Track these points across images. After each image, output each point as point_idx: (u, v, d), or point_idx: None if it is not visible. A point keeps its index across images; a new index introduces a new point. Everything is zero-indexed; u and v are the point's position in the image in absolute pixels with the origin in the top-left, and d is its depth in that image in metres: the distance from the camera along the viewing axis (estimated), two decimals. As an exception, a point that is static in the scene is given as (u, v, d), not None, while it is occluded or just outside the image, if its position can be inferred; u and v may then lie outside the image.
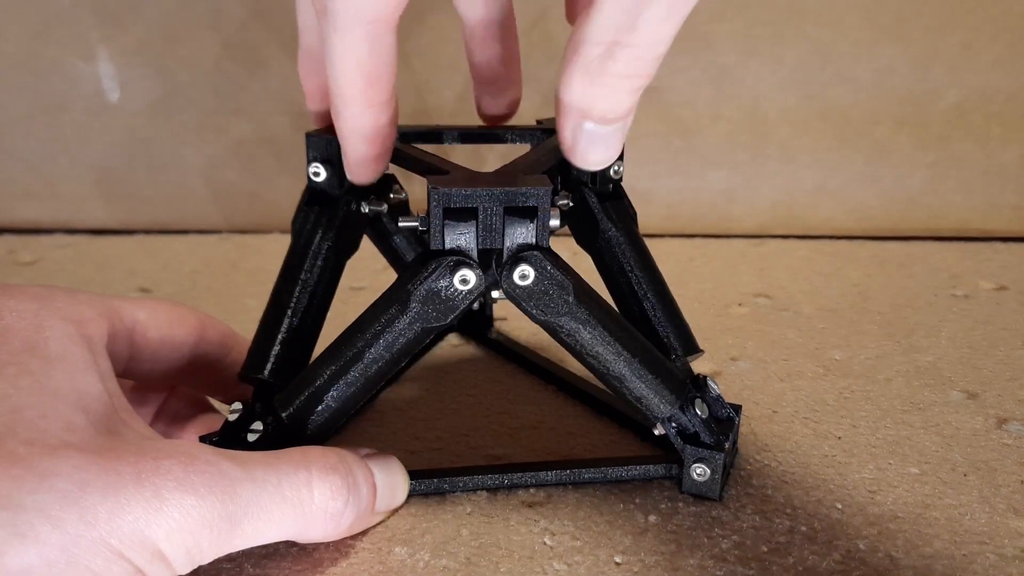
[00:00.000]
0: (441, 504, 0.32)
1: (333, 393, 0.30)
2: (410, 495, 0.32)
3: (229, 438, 0.30)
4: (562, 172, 0.36)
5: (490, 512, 0.32)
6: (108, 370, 0.27)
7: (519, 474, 0.33)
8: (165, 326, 0.31)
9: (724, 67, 0.60)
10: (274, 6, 0.60)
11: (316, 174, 0.34)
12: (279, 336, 0.33)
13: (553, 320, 0.29)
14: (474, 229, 0.28)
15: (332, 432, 0.31)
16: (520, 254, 0.28)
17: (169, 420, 0.34)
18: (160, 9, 0.60)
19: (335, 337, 0.31)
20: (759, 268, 0.58)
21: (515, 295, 0.29)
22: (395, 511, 0.32)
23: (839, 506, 0.32)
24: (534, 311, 0.29)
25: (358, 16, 0.27)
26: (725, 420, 0.33)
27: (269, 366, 0.32)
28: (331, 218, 0.34)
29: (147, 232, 0.66)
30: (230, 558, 0.29)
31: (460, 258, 0.28)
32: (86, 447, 0.23)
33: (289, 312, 0.33)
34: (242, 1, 0.60)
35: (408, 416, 0.39)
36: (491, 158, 0.62)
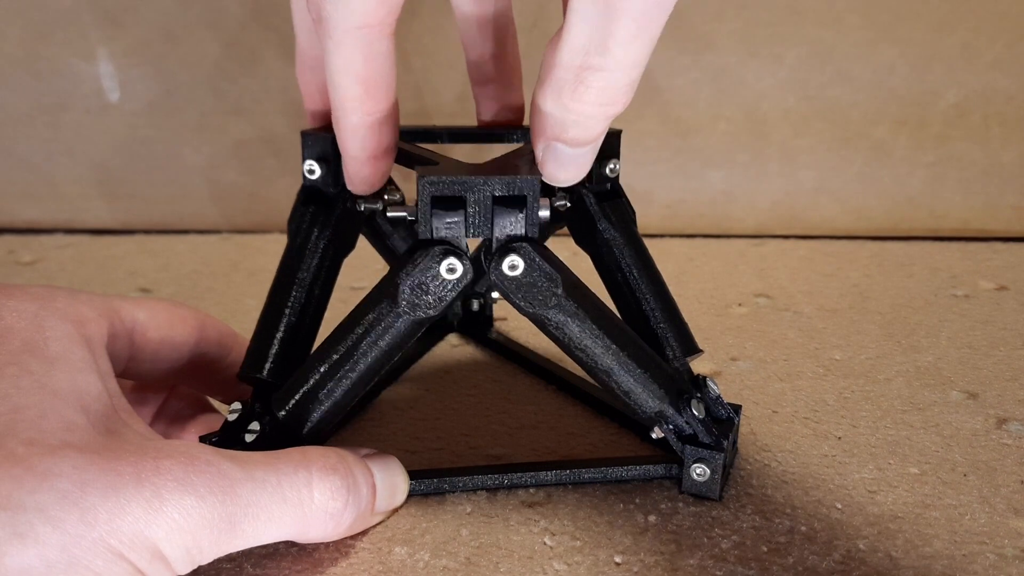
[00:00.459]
0: (441, 504, 0.32)
1: (328, 391, 0.30)
2: (410, 495, 0.32)
3: (229, 438, 0.30)
4: None
5: (490, 512, 0.32)
6: (108, 370, 0.27)
7: (519, 474, 0.33)
8: (165, 326, 0.31)
9: (724, 67, 0.60)
10: (273, 6, 0.60)
11: (311, 172, 0.34)
12: (277, 335, 0.33)
13: (541, 312, 0.29)
14: (462, 218, 0.28)
15: (330, 429, 0.31)
16: (509, 245, 0.28)
17: (169, 420, 0.34)
18: (160, 9, 0.60)
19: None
20: (759, 268, 0.58)
21: (504, 286, 0.29)
22: (395, 511, 0.32)
23: (839, 506, 0.32)
24: (522, 303, 0.29)
25: (350, 23, 0.27)
26: (725, 420, 0.33)
27: (268, 365, 0.32)
28: (327, 216, 0.34)
29: (147, 232, 0.66)
30: (230, 558, 0.29)
31: (447, 247, 0.28)
32: (86, 447, 0.23)
33: (287, 311, 0.33)
34: (241, 1, 0.60)
35: (408, 416, 0.39)
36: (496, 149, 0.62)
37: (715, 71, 0.60)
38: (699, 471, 0.32)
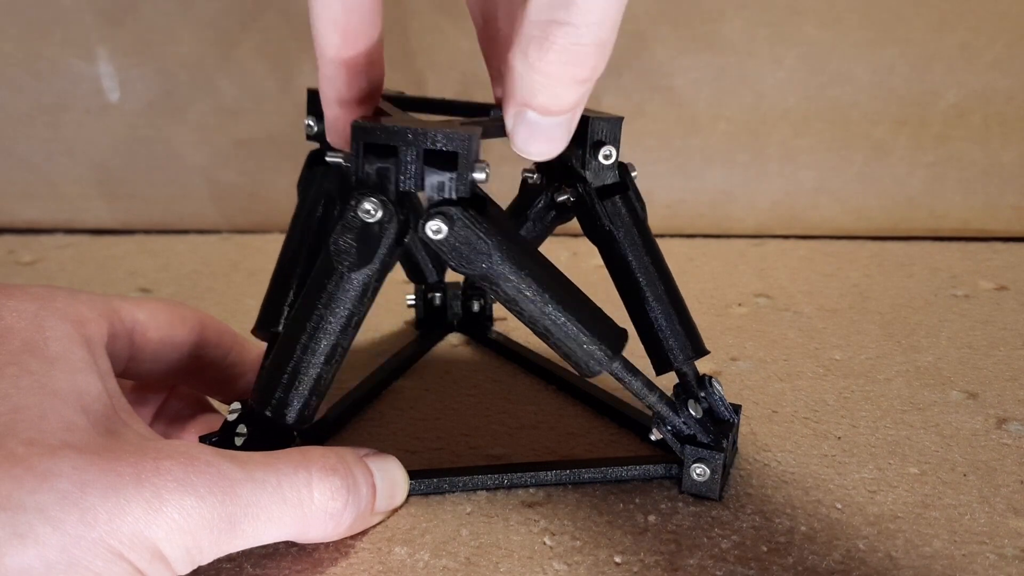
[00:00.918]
0: (441, 504, 0.32)
1: (303, 376, 0.29)
2: (410, 495, 0.32)
3: (229, 438, 0.30)
4: (560, 162, 0.34)
5: (490, 512, 0.32)
6: (108, 370, 0.27)
7: (519, 474, 0.33)
8: (165, 326, 0.31)
9: (724, 67, 0.60)
10: (274, 6, 0.60)
11: (309, 127, 0.35)
12: (292, 287, 0.33)
13: (471, 272, 0.28)
14: (394, 167, 0.27)
15: (315, 411, 0.31)
16: (435, 208, 0.27)
17: (169, 420, 0.34)
18: (160, 9, 0.60)
19: None
20: (759, 268, 0.58)
21: (432, 247, 0.28)
22: (395, 511, 0.32)
23: (839, 506, 0.32)
24: (452, 263, 0.28)
25: None
26: (724, 420, 0.33)
27: (283, 320, 0.33)
28: (332, 174, 0.35)
29: (147, 232, 0.66)
30: (230, 558, 0.29)
31: (366, 191, 0.27)
32: (86, 447, 0.23)
33: (299, 267, 0.33)
34: (242, 1, 0.60)
35: (408, 416, 0.39)
36: (496, 144, 0.62)
37: (715, 71, 0.60)
38: (699, 471, 0.32)
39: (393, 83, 0.40)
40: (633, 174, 0.34)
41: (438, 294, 0.47)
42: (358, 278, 0.28)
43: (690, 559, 0.29)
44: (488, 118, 0.32)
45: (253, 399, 0.30)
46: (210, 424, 0.34)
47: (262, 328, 0.34)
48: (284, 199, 0.64)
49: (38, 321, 0.26)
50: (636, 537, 0.30)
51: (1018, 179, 0.63)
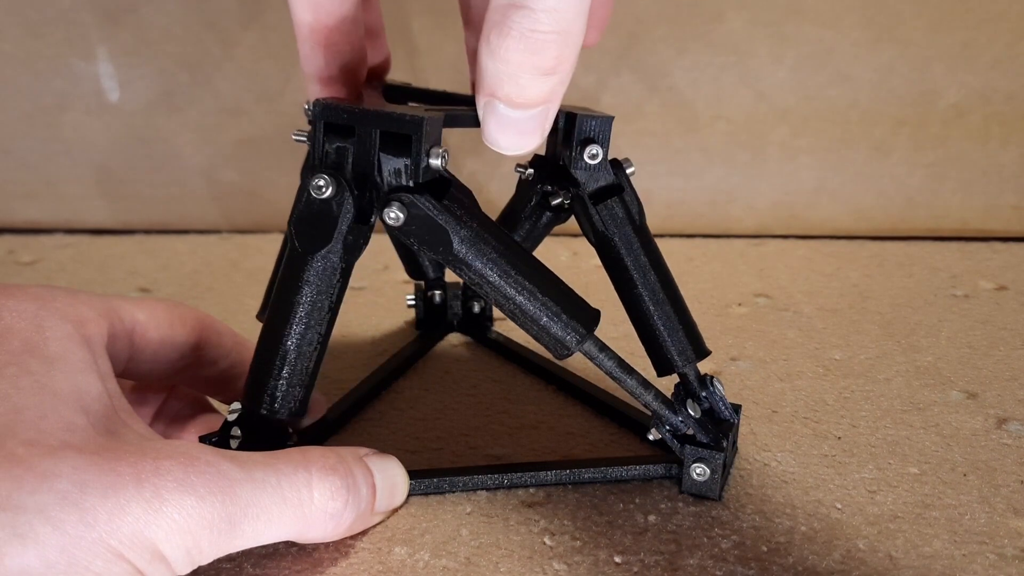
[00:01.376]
0: (441, 504, 0.32)
1: (280, 364, 0.29)
2: (410, 495, 0.32)
3: (228, 438, 0.30)
4: (552, 161, 0.34)
5: (490, 512, 0.32)
6: (108, 370, 0.27)
7: (519, 474, 0.33)
8: (165, 326, 0.31)
9: (724, 67, 0.60)
10: (274, 6, 0.60)
11: (307, 111, 0.35)
12: None
13: (435, 256, 0.29)
14: (351, 147, 0.27)
15: (301, 404, 0.30)
16: (392, 194, 0.28)
17: (169, 420, 0.34)
18: (160, 9, 0.60)
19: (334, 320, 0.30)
20: (759, 268, 0.58)
21: (393, 231, 0.28)
22: (395, 511, 0.32)
23: (839, 506, 0.32)
24: (415, 246, 0.28)
25: None
26: (724, 420, 0.33)
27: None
28: None
29: (147, 232, 0.66)
30: (230, 558, 0.29)
31: (320, 171, 0.27)
32: (86, 448, 0.23)
33: None
34: (242, 1, 0.60)
35: (408, 416, 0.39)
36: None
37: (715, 71, 0.60)
38: (699, 471, 0.32)
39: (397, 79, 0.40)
40: (630, 171, 0.33)
41: (437, 291, 0.47)
42: (321, 259, 0.28)
43: (690, 559, 0.29)
44: (465, 108, 0.32)
45: (242, 397, 0.30)
46: (210, 424, 0.34)
47: (263, 315, 0.34)
48: (284, 199, 0.64)
49: (38, 321, 0.26)
50: (636, 537, 0.30)
51: (1018, 179, 0.63)
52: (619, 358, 0.31)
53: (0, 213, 0.66)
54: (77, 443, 0.23)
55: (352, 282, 0.49)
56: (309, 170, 0.28)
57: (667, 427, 0.32)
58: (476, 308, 0.47)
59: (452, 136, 0.61)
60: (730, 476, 0.34)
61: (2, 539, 0.21)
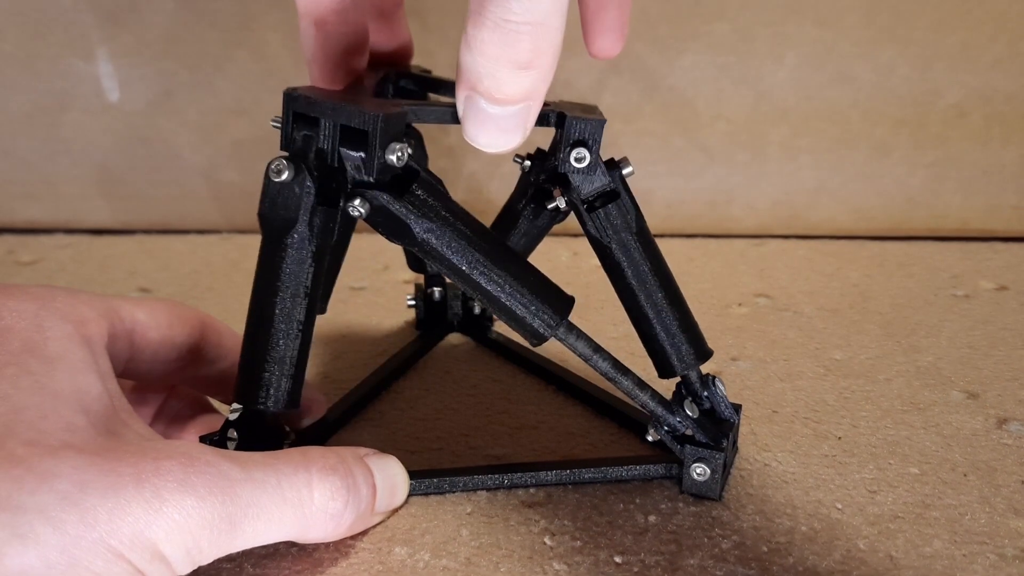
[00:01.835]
0: (441, 504, 0.32)
1: (262, 355, 0.29)
2: (410, 495, 0.32)
3: (227, 440, 0.30)
4: (547, 166, 0.34)
5: (490, 512, 0.32)
6: (108, 370, 0.27)
7: (519, 474, 0.33)
8: (165, 326, 0.31)
9: (724, 67, 0.60)
10: (274, 5, 0.60)
11: None
12: None
13: (403, 244, 0.29)
14: (315, 138, 0.28)
15: (289, 396, 0.30)
16: (355, 187, 0.28)
17: (169, 420, 0.34)
18: (160, 9, 0.60)
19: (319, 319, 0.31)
20: (759, 268, 0.58)
21: (364, 221, 0.29)
22: (395, 511, 0.32)
23: (839, 506, 0.32)
24: (386, 236, 0.29)
25: None
26: (724, 420, 0.33)
27: None
28: None
29: (147, 232, 0.66)
30: (230, 558, 0.29)
31: (281, 157, 0.28)
32: (86, 448, 0.23)
33: None
34: (242, 1, 0.60)
35: (408, 416, 0.39)
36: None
37: (715, 71, 0.60)
38: (699, 471, 0.32)
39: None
40: (627, 171, 0.32)
41: (437, 289, 0.47)
42: (288, 243, 0.28)
43: (690, 559, 0.29)
44: (446, 101, 0.32)
45: (234, 394, 0.30)
46: (210, 424, 0.34)
47: None
48: (284, 199, 0.64)
49: (38, 321, 0.26)
50: (636, 537, 0.30)
51: (1018, 179, 0.63)
52: (612, 357, 0.31)
53: (0, 213, 0.66)
54: (77, 443, 0.23)
55: (352, 282, 0.50)
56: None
57: (665, 428, 0.32)
58: (476, 308, 0.47)
59: (452, 136, 0.61)
60: (730, 476, 0.34)
61: (2, 539, 0.21)
